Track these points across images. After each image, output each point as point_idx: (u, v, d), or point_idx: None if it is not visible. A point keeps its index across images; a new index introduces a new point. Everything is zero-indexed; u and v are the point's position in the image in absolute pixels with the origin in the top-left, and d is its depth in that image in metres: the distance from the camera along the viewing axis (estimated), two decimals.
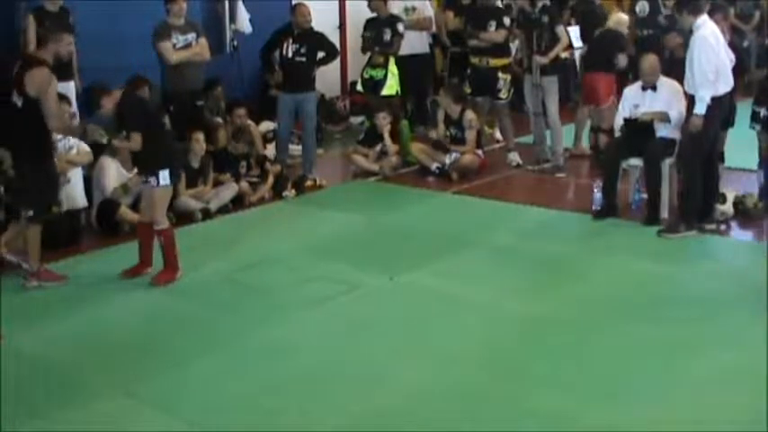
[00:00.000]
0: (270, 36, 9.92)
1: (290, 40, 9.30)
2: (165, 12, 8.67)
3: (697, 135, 7.17)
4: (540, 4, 9.48)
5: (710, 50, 7.10)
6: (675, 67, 7.81)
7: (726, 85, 7.21)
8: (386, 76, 10.08)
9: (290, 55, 9.31)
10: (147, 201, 6.82)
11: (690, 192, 7.42)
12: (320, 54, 9.43)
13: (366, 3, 10.52)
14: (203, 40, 8.85)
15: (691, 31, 7.28)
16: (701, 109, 7.07)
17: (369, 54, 10.27)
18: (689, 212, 7.43)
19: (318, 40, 9.44)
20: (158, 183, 6.57)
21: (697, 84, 7.10)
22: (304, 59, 9.28)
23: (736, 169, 8.53)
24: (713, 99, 7.08)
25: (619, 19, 10.03)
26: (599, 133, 9.51)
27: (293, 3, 9.83)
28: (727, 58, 7.27)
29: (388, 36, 10.15)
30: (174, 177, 6.76)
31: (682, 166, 7.57)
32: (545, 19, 9.42)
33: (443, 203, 8.73)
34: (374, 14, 10.35)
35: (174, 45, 8.63)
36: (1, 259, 6.89)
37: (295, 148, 10.13)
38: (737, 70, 7.71)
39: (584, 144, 10.14)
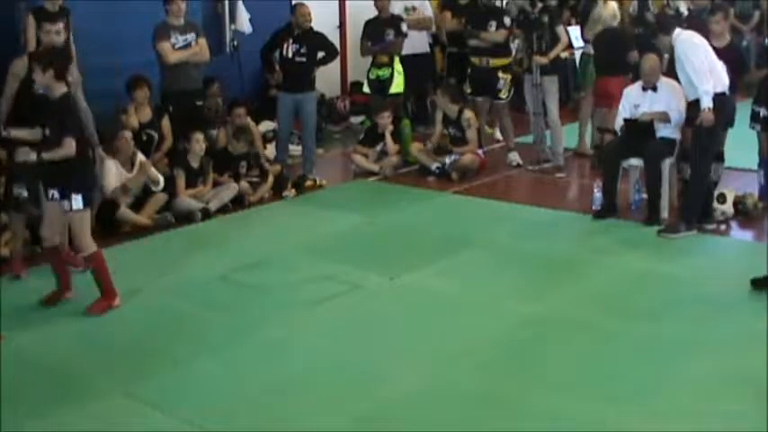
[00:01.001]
0: (270, 36, 9.92)
1: (291, 41, 9.30)
2: (165, 12, 8.67)
3: (707, 133, 7.18)
4: (540, 5, 9.46)
5: (697, 48, 7.18)
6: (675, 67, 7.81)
7: (720, 84, 7.22)
8: (392, 74, 10.08)
9: (290, 55, 9.31)
10: (51, 221, 6.13)
11: (694, 192, 7.42)
12: (320, 54, 9.44)
13: (365, 2, 10.50)
14: (203, 41, 8.83)
15: (672, 48, 7.36)
16: (708, 102, 7.08)
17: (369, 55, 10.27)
18: (690, 212, 7.43)
19: (318, 40, 9.44)
20: (71, 207, 5.91)
21: (697, 80, 7.11)
22: (304, 59, 9.29)
23: (736, 169, 8.52)
24: (716, 97, 7.09)
25: (610, 12, 9.85)
26: (605, 134, 9.46)
27: (293, 3, 9.83)
28: (716, 59, 7.29)
29: (391, 36, 10.14)
30: (88, 203, 6.02)
31: (689, 166, 7.54)
32: (545, 19, 9.41)
33: (443, 203, 8.72)
34: (375, 15, 10.33)
35: (174, 45, 8.61)
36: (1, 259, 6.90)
37: (295, 148, 10.12)
38: (737, 70, 7.72)
39: (587, 143, 10.12)
